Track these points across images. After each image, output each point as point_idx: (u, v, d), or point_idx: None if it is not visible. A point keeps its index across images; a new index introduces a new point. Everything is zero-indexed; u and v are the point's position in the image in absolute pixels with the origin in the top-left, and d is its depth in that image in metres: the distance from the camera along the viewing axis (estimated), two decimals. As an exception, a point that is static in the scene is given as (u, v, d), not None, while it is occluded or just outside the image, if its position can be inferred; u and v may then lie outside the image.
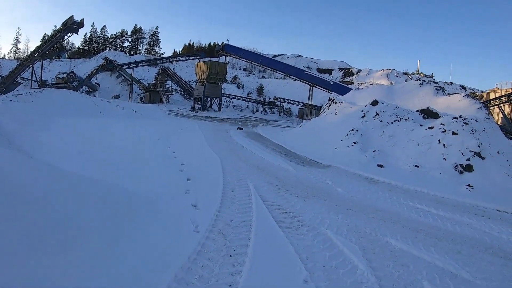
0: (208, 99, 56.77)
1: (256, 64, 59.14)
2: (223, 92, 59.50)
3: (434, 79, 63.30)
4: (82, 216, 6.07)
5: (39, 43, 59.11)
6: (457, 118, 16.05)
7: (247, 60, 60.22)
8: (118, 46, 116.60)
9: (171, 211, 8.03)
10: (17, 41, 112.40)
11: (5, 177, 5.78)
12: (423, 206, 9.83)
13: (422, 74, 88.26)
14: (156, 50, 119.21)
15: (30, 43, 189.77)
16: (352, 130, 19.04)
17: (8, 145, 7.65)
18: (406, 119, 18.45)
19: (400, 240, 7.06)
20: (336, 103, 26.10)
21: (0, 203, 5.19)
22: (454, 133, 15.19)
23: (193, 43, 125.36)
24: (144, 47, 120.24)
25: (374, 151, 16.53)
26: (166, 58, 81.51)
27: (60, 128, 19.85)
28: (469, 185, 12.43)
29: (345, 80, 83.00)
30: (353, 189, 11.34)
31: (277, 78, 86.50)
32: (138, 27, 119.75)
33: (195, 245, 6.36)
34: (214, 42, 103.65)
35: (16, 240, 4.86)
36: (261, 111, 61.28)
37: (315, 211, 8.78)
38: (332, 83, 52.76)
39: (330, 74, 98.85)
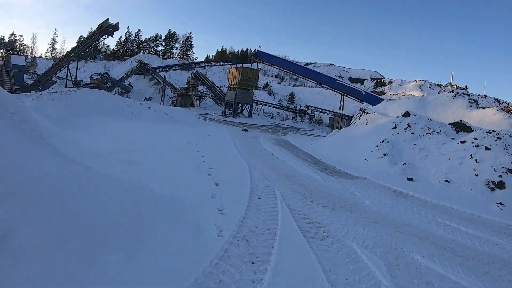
0: (239, 105, 56.92)
1: (288, 71, 59.03)
2: (254, 98, 59.59)
3: (467, 92, 61.89)
4: (108, 217, 6.19)
5: (75, 44, 60.89)
6: (490, 133, 15.65)
7: (279, 68, 60.09)
8: (152, 50, 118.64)
9: (196, 215, 8.08)
10: (53, 41, 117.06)
11: (42, 177, 5.99)
12: (452, 223, 9.57)
13: (455, 86, 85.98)
14: (189, 55, 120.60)
15: (66, 44, 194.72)
16: (383, 141, 18.85)
17: (40, 142, 7.81)
18: (438, 132, 18.11)
19: (426, 257, 6.90)
20: (367, 113, 25.87)
21: (34, 202, 5.38)
22: (487, 148, 14.79)
23: (225, 49, 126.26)
24: (177, 51, 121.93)
25: (404, 164, 16.29)
26: (199, 63, 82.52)
27: (92, 128, 20.29)
28: (500, 203, 12.07)
29: (377, 90, 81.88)
30: (381, 202, 11.16)
31: (309, 86, 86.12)
32: (172, 32, 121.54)
33: (218, 250, 6.38)
34: (247, 49, 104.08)
35: (46, 239, 5.00)
36: (292, 119, 61.03)
37: (341, 222, 8.67)
38: (363, 93, 52.23)
39: (362, 83, 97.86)
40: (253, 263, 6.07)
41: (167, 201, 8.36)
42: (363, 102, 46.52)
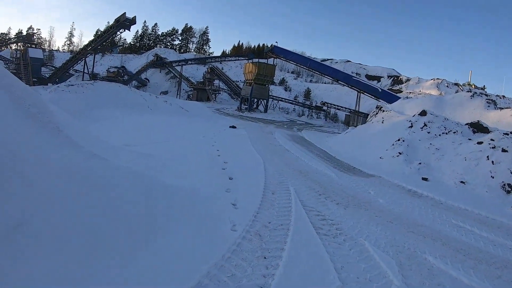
0: (255, 100, 56.95)
1: (305, 67, 58.67)
2: (270, 94, 59.52)
3: (485, 92, 61.02)
4: (122, 208, 6.32)
5: (92, 38, 61.63)
6: (508, 134, 15.42)
7: (295, 63, 59.89)
8: (169, 44, 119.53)
9: (210, 208, 8.16)
10: (71, 35, 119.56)
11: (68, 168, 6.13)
12: (466, 225, 9.46)
13: (473, 86, 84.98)
14: (206, 49, 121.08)
15: (84, 37, 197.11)
16: (398, 140, 18.74)
17: (57, 133, 7.95)
18: (454, 132, 17.93)
19: (438, 258, 6.87)
20: (383, 111, 25.77)
21: (50, 192, 5.57)
22: (504, 150, 14.59)
23: (242, 43, 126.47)
24: (194, 45, 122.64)
25: (420, 163, 16.18)
26: (215, 57, 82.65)
27: (108, 120, 20.58)
28: (516, 206, 11.97)
29: (393, 88, 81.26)
30: (395, 201, 11.10)
31: (325, 83, 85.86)
32: (188, 26, 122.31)
33: (230, 244, 6.46)
34: (263, 44, 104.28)
35: (60, 228, 5.16)
36: (307, 115, 60.86)
37: (355, 220, 8.68)
38: (380, 90, 51.71)
39: (379, 81, 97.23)
40: (265, 258, 6.13)
41: (181, 194, 8.46)
42: (380, 100, 46.14)
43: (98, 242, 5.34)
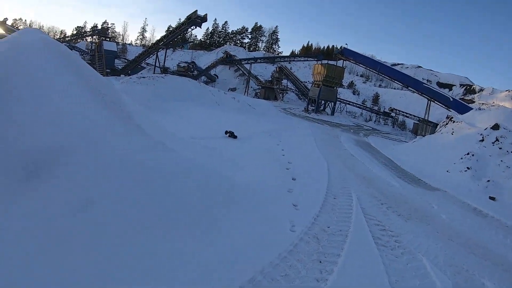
0: (322, 102, 56.45)
1: (374, 71, 57.48)
2: (338, 96, 58.76)
3: None
4: (185, 198, 6.70)
5: (164, 33, 63.83)
6: None
7: (365, 66, 58.84)
8: (238, 42, 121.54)
9: (271, 207, 8.39)
10: (143, 30, 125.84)
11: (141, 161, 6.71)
12: (533, 253, 8.97)
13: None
14: (275, 49, 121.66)
15: (156, 32, 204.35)
16: (467, 154, 18.17)
17: (129, 122, 8.47)
18: (529, 150, 17.16)
19: (497, 285, 6.68)
20: (453, 122, 24.90)
21: (119, 175, 6.16)
22: None
23: (311, 44, 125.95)
24: (263, 44, 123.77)
25: (488, 180, 15.64)
26: (284, 57, 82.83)
27: (176, 112, 21.20)
28: None
29: (465, 98, 77.35)
30: (458, 219, 10.81)
31: (394, 88, 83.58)
32: (258, 25, 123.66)
33: (288, 244, 6.63)
34: (333, 45, 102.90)
35: (125, 210, 5.68)
36: (374, 121, 59.51)
37: (415, 234, 8.61)
38: (451, 99, 49.59)
39: (451, 89, 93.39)
40: (320, 262, 6.26)
41: (243, 189, 8.76)
42: (450, 110, 44.47)
43: (158, 227, 5.74)
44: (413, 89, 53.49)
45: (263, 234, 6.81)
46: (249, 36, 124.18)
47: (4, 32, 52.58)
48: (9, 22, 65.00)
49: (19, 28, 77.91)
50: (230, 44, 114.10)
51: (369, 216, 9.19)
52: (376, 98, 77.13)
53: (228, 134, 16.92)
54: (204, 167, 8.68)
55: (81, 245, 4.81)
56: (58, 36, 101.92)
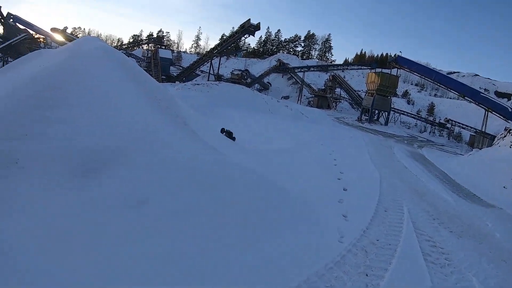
0: (376, 111, 55.61)
1: (429, 80, 55.75)
2: (392, 106, 57.75)
3: None
4: (237, 203, 6.93)
5: (218, 41, 65.59)
6: None
7: (419, 75, 57.15)
8: (291, 50, 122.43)
9: (320, 216, 8.45)
10: (198, 38, 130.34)
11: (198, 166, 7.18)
12: None
13: None
14: (328, 57, 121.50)
15: (209, 40, 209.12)
16: (527, 169, 17.67)
17: (183, 127, 8.88)
18: None
19: None
20: (512, 134, 24.27)
21: (172, 176, 6.55)
22: None
23: (364, 52, 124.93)
24: (316, 52, 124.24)
25: (550, 198, 15.12)
26: (337, 65, 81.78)
27: (229, 119, 21.64)
28: None
29: (526, 108, 74.17)
30: (514, 238, 10.34)
31: (450, 98, 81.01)
32: (311, 33, 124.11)
33: (335, 255, 6.65)
34: (386, 53, 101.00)
35: (178, 210, 6.02)
36: (429, 132, 57.64)
37: (466, 252, 8.30)
38: (510, 110, 47.60)
39: (510, 99, 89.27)
40: (367, 275, 6.25)
41: (294, 197, 8.90)
42: (509, 121, 42.71)
43: (207, 230, 5.98)
44: (469, 99, 51.67)
45: (311, 243, 6.87)
46: (302, 44, 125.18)
47: (64, 40, 56.03)
48: (68, 31, 69.09)
49: (78, 36, 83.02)
50: (283, 52, 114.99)
51: (419, 231, 9.03)
52: (431, 108, 75.04)
53: (224, 133, 15.27)
54: (255, 174, 8.91)
55: (133, 241, 5.17)
56: (115, 44, 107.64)
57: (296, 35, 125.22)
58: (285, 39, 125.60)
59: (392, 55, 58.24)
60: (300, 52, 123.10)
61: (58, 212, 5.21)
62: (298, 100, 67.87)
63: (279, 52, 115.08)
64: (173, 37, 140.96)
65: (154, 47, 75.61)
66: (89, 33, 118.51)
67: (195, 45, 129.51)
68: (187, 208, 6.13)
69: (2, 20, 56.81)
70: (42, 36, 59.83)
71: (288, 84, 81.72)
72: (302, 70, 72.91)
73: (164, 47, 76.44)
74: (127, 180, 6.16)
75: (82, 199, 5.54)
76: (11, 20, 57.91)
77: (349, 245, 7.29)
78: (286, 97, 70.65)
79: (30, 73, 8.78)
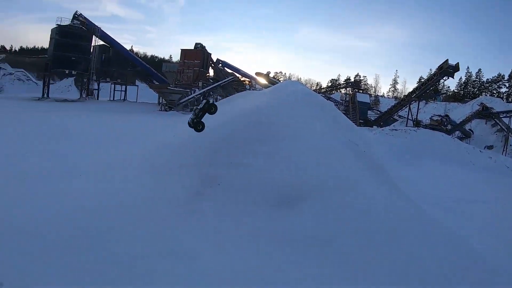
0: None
1: None
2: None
3: None
4: (429, 261, 6.20)
5: (416, 85, 65.79)
6: None
7: None
8: (495, 92, 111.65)
9: None
10: (395, 82, 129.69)
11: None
12: None
13: None
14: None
15: (407, 84, 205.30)
16: None
17: (378, 173, 9.02)
18: None
19: None
20: None
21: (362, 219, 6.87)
22: None
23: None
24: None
25: None
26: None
27: (427, 170, 20.59)
28: None
29: None
30: None
31: None
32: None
33: None
34: None
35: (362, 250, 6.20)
36: None
37: None
38: None
39: None
40: None
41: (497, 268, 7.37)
42: None
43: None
44: None
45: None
46: (506, 84, 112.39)
47: (267, 83, 63.24)
48: (271, 75, 78.45)
49: (280, 80, 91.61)
50: (486, 95, 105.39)
51: None
52: None
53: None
54: (447, 231, 7.69)
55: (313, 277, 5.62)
56: (314, 88, 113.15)
57: (499, 74, 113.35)
58: (487, 79, 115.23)
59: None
60: (505, 94, 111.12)
61: (245, 234, 6.27)
62: (503, 150, 61.84)
63: (481, 95, 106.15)
64: (370, 81, 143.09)
65: (351, 91, 79.37)
66: (289, 77, 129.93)
67: (393, 88, 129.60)
68: (368, 252, 6.13)
69: (213, 65, 66.27)
70: (247, 79, 67.19)
71: (492, 131, 74.45)
72: (507, 115, 67.35)
73: (361, 91, 79.58)
74: (317, 215, 6.84)
75: (272, 228, 6.45)
76: (220, 65, 67.14)
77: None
78: (490, 147, 64.58)
79: (241, 108, 10.41)
